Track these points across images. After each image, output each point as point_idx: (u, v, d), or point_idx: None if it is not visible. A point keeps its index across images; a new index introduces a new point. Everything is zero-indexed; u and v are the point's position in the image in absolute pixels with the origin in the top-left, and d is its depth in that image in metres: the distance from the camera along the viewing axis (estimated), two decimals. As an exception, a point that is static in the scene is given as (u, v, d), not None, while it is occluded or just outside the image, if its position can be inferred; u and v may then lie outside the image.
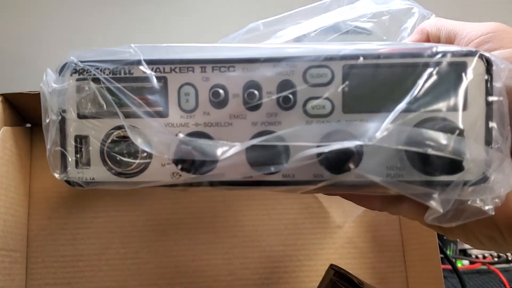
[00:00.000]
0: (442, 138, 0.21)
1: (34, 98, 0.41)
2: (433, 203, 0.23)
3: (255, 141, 0.23)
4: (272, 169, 0.23)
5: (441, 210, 0.23)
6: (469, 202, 0.23)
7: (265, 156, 0.23)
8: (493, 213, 0.23)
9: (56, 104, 0.25)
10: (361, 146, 0.22)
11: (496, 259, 0.65)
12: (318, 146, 0.22)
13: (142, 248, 0.48)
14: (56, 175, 0.26)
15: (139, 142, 0.24)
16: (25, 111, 0.47)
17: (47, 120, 0.25)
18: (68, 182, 0.26)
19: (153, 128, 0.24)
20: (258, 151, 0.23)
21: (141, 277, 0.48)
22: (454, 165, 0.22)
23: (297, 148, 0.23)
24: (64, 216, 0.49)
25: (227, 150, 0.23)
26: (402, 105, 0.23)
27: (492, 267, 0.63)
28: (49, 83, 0.25)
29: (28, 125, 0.50)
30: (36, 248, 0.48)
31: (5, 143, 0.44)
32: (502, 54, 0.25)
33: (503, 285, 0.61)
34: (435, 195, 0.23)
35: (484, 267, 0.64)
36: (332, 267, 0.41)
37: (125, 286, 0.48)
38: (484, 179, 0.23)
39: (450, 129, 0.22)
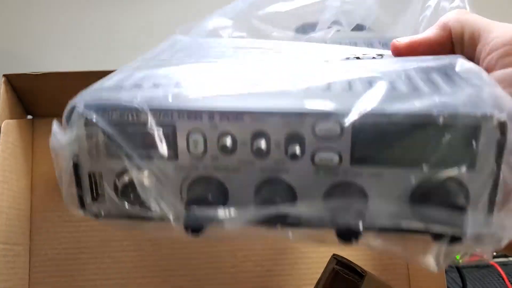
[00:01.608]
0: (441, 214, 0.22)
1: (37, 81, 0.41)
2: (429, 261, 0.23)
3: (258, 212, 0.23)
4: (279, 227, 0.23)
5: (436, 270, 0.23)
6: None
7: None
8: (492, 260, 0.23)
9: (68, 151, 0.25)
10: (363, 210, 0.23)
11: (494, 253, 0.65)
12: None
13: (144, 240, 0.48)
14: (74, 213, 0.26)
15: (145, 197, 0.24)
16: (27, 95, 0.47)
17: (60, 170, 0.25)
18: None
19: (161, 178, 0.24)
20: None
21: (143, 269, 0.48)
22: (454, 238, 0.22)
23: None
24: (66, 209, 0.48)
25: (230, 219, 0.23)
26: (405, 164, 0.23)
27: (491, 261, 0.64)
28: (57, 135, 0.24)
29: (30, 117, 0.50)
30: (39, 241, 0.47)
31: (7, 137, 0.44)
32: None
33: (502, 278, 0.61)
34: (433, 252, 0.23)
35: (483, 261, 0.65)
36: (334, 256, 0.42)
37: (128, 278, 0.48)
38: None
39: (455, 191, 0.22)
